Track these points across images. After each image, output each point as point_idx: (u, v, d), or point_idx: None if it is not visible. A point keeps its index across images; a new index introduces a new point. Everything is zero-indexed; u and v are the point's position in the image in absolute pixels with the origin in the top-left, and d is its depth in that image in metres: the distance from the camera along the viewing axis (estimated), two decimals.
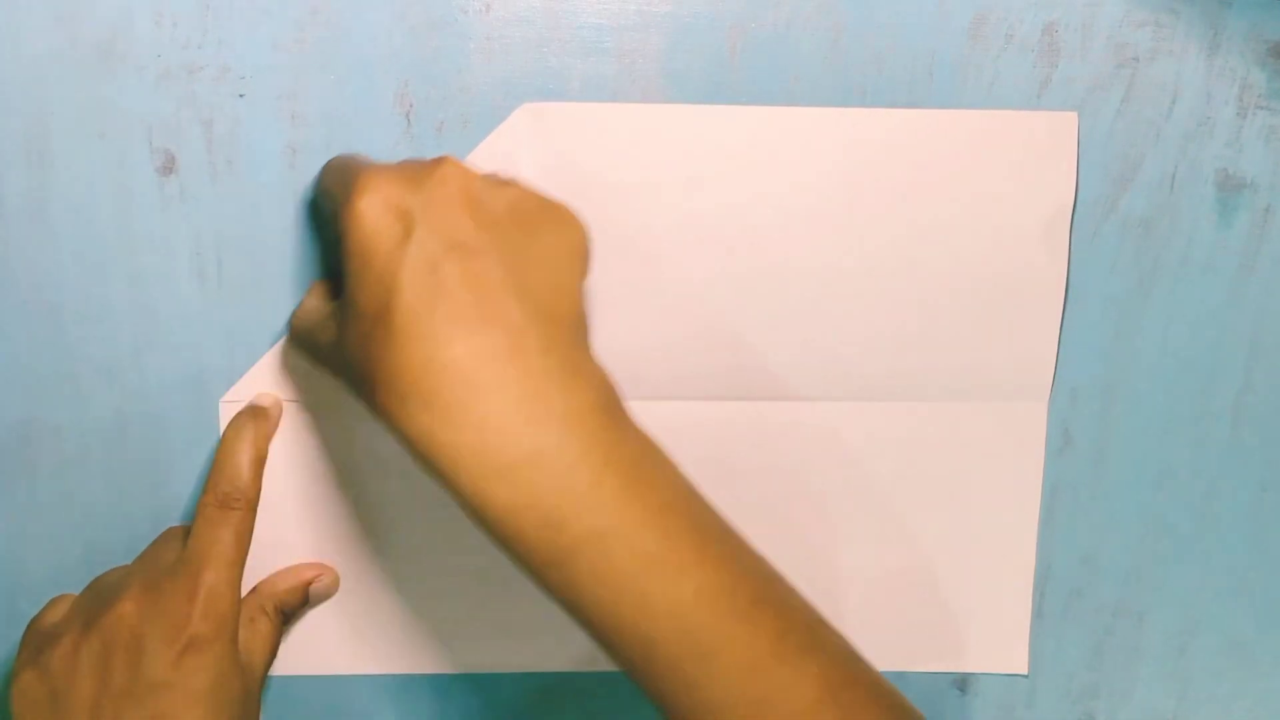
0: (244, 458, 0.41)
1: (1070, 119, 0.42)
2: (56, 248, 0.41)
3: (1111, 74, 0.42)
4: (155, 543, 0.42)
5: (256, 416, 0.41)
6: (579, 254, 0.36)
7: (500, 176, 0.36)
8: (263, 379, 0.42)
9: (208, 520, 0.40)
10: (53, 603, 0.41)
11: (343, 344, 0.34)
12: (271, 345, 0.42)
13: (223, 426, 0.42)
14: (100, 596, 0.40)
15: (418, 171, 0.34)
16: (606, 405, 0.34)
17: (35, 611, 0.41)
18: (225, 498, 0.40)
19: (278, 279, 0.42)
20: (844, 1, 0.41)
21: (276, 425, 0.42)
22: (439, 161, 0.34)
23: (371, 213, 0.33)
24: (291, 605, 0.43)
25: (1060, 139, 0.42)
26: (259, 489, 0.41)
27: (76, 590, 0.41)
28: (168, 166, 0.41)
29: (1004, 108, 0.42)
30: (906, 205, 0.42)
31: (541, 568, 0.33)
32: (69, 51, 0.40)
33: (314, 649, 0.45)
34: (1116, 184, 0.43)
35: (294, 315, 0.41)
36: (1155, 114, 0.42)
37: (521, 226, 0.34)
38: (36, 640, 0.40)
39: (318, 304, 0.39)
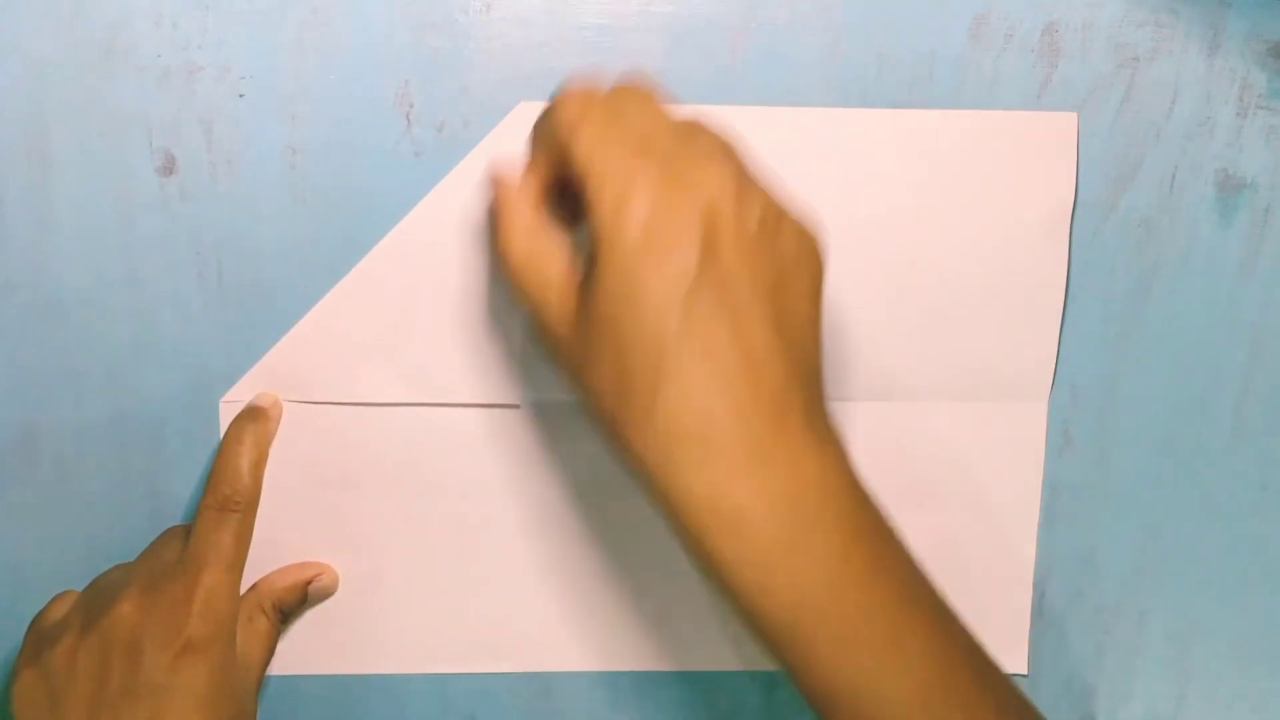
0: (244, 460, 0.41)
1: (1070, 119, 0.42)
2: (56, 248, 0.41)
3: (1111, 74, 0.42)
4: (156, 542, 0.42)
5: (256, 418, 0.42)
6: (820, 278, 0.34)
7: (752, 175, 0.34)
8: (263, 379, 0.42)
9: (207, 522, 0.40)
10: (56, 599, 0.41)
11: (596, 344, 0.33)
12: (271, 345, 0.42)
13: (223, 427, 0.42)
14: (100, 596, 0.40)
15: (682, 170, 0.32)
16: (853, 478, 0.33)
17: (35, 611, 0.41)
18: (225, 500, 0.40)
19: (278, 279, 0.42)
20: (844, 1, 0.41)
21: (277, 426, 0.42)
22: (707, 160, 0.33)
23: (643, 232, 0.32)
24: (290, 604, 0.43)
25: (1060, 139, 0.42)
26: (259, 491, 0.41)
27: (71, 586, 0.42)
28: (168, 166, 0.41)
29: (1004, 108, 0.42)
30: (906, 205, 0.42)
31: (760, 622, 0.33)
32: (69, 51, 0.40)
33: (314, 649, 0.45)
34: (1116, 184, 0.43)
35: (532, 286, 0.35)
36: (1155, 114, 0.42)
37: (773, 252, 0.33)
38: (37, 639, 0.40)
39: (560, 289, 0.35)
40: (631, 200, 0.32)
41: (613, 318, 0.32)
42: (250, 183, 0.41)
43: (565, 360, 0.34)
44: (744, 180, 0.33)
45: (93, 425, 0.43)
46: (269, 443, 0.42)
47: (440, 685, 0.46)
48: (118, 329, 0.42)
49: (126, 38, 0.40)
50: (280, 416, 0.42)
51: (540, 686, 0.46)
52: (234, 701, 0.39)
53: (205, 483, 0.41)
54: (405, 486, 0.43)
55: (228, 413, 0.42)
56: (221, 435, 0.42)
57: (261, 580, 0.43)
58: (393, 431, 0.43)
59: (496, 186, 0.36)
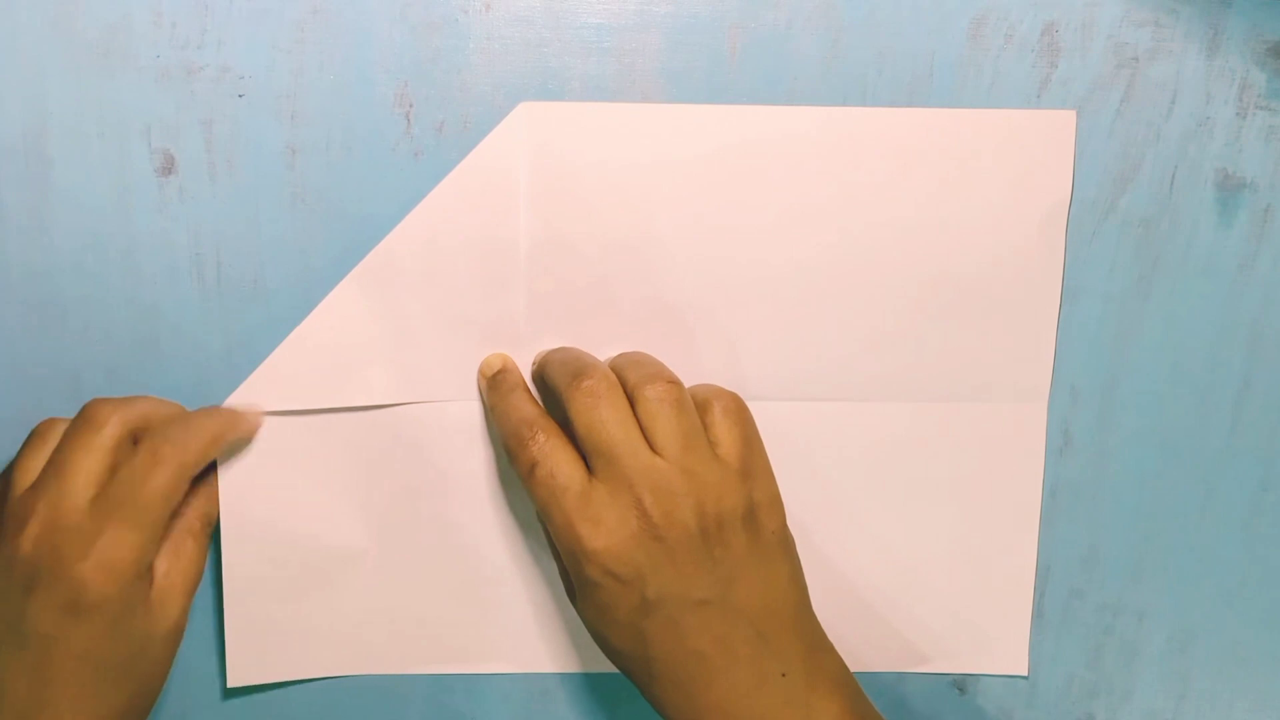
0: (205, 424, 0.39)
1: (1068, 117, 0.42)
2: (56, 248, 0.41)
3: (1111, 74, 0.42)
4: (39, 443, 0.39)
5: (235, 416, 0.41)
6: (780, 529, 0.39)
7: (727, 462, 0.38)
8: (263, 381, 0.42)
9: (132, 472, 0.37)
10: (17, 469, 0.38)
11: (594, 638, 0.39)
12: (271, 346, 0.42)
13: None
14: (14, 509, 0.37)
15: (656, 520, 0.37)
16: (848, 711, 0.38)
17: None
18: (158, 450, 0.37)
19: (278, 279, 0.42)
20: (844, 1, 0.41)
21: (248, 434, 0.41)
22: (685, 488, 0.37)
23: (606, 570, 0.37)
24: (213, 512, 0.41)
25: (1058, 137, 0.42)
26: (204, 461, 0.39)
27: None
28: (167, 166, 0.41)
29: (1003, 108, 0.42)
30: (905, 204, 0.42)
31: None
32: (68, 51, 0.40)
33: (312, 652, 0.45)
34: (1116, 184, 0.43)
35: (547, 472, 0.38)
36: (1155, 114, 0.42)
37: (726, 548, 0.38)
38: None
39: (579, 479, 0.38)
40: (586, 558, 0.37)
41: (597, 630, 0.39)
42: (250, 183, 0.41)
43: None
44: (682, 495, 0.37)
45: None
46: (235, 430, 0.40)
47: (439, 686, 0.46)
48: (118, 329, 0.42)
49: (126, 38, 0.40)
50: (258, 419, 0.41)
51: (538, 687, 0.46)
52: (134, 668, 0.37)
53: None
54: (405, 486, 0.43)
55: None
56: None
57: (181, 504, 0.40)
58: (392, 431, 0.43)
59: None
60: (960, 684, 0.47)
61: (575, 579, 0.38)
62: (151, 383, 0.42)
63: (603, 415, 0.37)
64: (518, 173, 0.41)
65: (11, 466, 0.39)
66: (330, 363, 0.42)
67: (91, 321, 0.42)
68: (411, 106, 0.41)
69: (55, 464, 0.37)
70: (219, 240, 0.42)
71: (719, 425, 0.39)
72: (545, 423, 0.38)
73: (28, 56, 0.40)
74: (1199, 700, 0.47)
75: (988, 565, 0.45)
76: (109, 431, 0.38)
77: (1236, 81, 0.42)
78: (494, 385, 0.41)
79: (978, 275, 0.43)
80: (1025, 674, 0.46)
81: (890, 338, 0.43)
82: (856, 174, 0.42)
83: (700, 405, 0.39)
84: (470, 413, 0.43)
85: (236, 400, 0.42)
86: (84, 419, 0.38)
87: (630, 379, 0.38)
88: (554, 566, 0.44)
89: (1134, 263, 0.43)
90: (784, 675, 0.37)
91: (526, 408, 0.39)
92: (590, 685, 0.46)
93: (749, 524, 0.38)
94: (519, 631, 0.45)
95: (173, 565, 0.39)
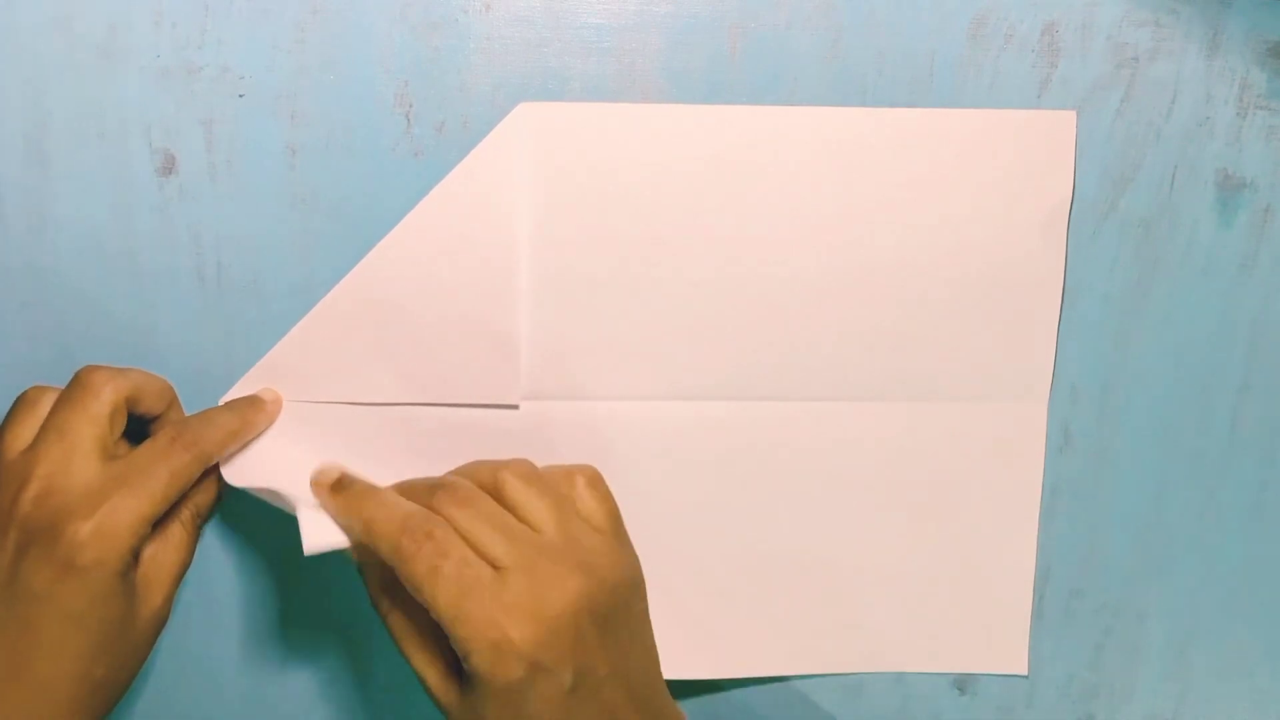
0: (225, 418, 0.40)
1: (1069, 117, 0.42)
2: (56, 248, 0.41)
3: (1111, 74, 0.42)
4: (29, 405, 0.39)
5: (254, 403, 0.41)
6: (643, 596, 0.39)
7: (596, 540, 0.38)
8: (262, 379, 0.42)
9: (154, 448, 0.38)
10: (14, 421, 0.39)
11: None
12: (271, 345, 0.42)
13: None
14: (10, 471, 0.37)
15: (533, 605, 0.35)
16: None
17: None
18: (181, 433, 0.38)
19: (278, 279, 0.42)
20: (844, 1, 0.41)
21: (270, 420, 0.42)
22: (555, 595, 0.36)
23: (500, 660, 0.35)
24: (207, 508, 0.41)
25: (1059, 138, 0.42)
26: (220, 452, 0.39)
27: None
28: (167, 166, 0.41)
29: (1004, 108, 0.42)
30: (905, 204, 0.42)
31: None
32: (68, 51, 0.40)
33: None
34: (1116, 184, 0.43)
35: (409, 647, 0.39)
36: (1155, 114, 0.42)
37: (620, 636, 0.37)
38: None
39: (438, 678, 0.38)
40: (504, 652, 0.35)
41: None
42: (250, 183, 0.41)
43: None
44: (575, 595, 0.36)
45: None
46: (255, 430, 0.41)
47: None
48: (118, 329, 0.42)
49: (126, 38, 0.40)
50: (277, 414, 0.42)
51: None
52: (115, 645, 0.37)
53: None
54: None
55: None
56: None
57: None
58: (392, 431, 0.43)
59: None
60: (960, 684, 0.47)
61: (486, 683, 0.35)
62: None
63: (480, 505, 0.37)
64: (517, 173, 0.41)
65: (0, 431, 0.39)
66: (329, 362, 0.42)
67: (91, 321, 0.42)
68: (411, 106, 0.41)
69: (56, 428, 0.38)
70: (219, 240, 0.42)
71: (586, 498, 0.39)
72: (431, 514, 0.36)
73: (28, 56, 0.40)
74: (1199, 700, 0.47)
75: (987, 564, 0.45)
76: (106, 398, 0.38)
77: (1236, 81, 0.42)
78: (342, 490, 0.39)
79: (979, 275, 0.43)
80: (1025, 673, 0.46)
81: (891, 337, 0.43)
82: (856, 174, 0.42)
83: (562, 479, 0.39)
84: (469, 415, 0.43)
85: (235, 395, 0.42)
86: (80, 385, 0.38)
87: (483, 476, 0.38)
88: None
89: (1134, 263, 0.43)
90: None
91: (401, 504, 0.37)
92: None
93: (635, 591, 0.38)
94: None
95: (160, 550, 0.39)
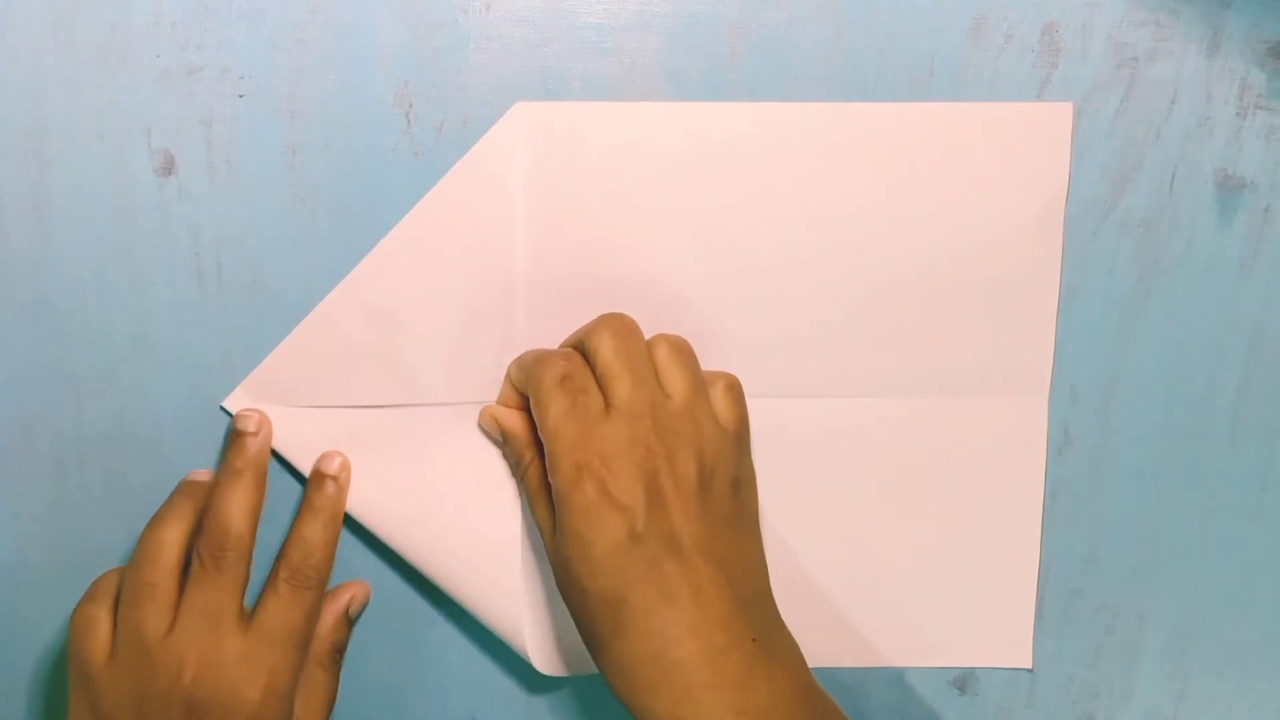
0: (318, 532, 0.41)
1: (1066, 109, 0.42)
2: (56, 248, 0.41)
3: (1111, 74, 0.42)
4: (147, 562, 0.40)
5: (324, 486, 0.42)
6: (755, 507, 0.40)
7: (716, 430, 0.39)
8: (262, 380, 0.42)
9: (281, 597, 0.40)
10: (88, 626, 0.40)
11: (562, 585, 0.38)
12: (271, 346, 0.42)
13: (222, 428, 0.42)
14: (149, 654, 0.38)
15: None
16: (804, 685, 0.37)
17: (35, 612, 0.41)
18: (297, 572, 0.40)
19: (278, 279, 0.42)
20: (844, 1, 0.41)
21: (344, 490, 0.42)
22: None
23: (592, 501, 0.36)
24: (343, 641, 0.43)
25: (1055, 129, 0.42)
26: (330, 566, 0.41)
27: (71, 586, 0.41)
28: (167, 167, 0.41)
29: None
30: (902, 197, 0.42)
31: None
32: (68, 51, 0.40)
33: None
34: (1116, 183, 0.43)
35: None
36: (1155, 114, 0.42)
37: (713, 500, 0.37)
38: (85, 679, 0.39)
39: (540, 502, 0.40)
40: (583, 475, 0.36)
41: (570, 569, 0.37)
42: (250, 183, 0.41)
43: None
44: (682, 439, 0.37)
45: (92, 425, 0.43)
46: (341, 515, 0.42)
47: (440, 685, 0.46)
48: (117, 329, 0.42)
49: (126, 38, 0.40)
50: (348, 482, 0.42)
51: (540, 686, 0.46)
52: None
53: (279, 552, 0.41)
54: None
55: (229, 411, 0.42)
56: (221, 436, 0.42)
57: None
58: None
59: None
60: (960, 684, 0.47)
61: (565, 501, 0.37)
62: (151, 382, 0.42)
63: (630, 344, 0.38)
64: (514, 173, 0.41)
65: (133, 619, 0.39)
66: (330, 363, 0.42)
67: (91, 321, 0.42)
68: (411, 106, 0.41)
69: (195, 609, 0.39)
70: (219, 240, 0.42)
71: (721, 398, 0.40)
72: (571, 351, 0.39)
73: (28, 56, 0.40)
74: (1199, 700, 0.47)
75: (990, 558, 0.45)
76: (239, 574, 0.40)
77: (1236, 81, 0.42)
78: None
79: (977, 267, 0.43)
80: (1029, 666, 0.46)
81: (890, 331, 0.43)
82: (853, 169, 0.42)
83: (708, 374, 0.40)
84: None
85: (237, 400, 0.42)
86: (214, 563, 0.39)
87: (640, 330, 0.40)
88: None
89: (1134, 263, 0.43)
90: (754, 641, 0.36)
91: (559, 351, 0.40)
92: (590, 686, 0.46)
93: (735, 490, 0.38)
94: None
95: (307, 695, 0.41)
